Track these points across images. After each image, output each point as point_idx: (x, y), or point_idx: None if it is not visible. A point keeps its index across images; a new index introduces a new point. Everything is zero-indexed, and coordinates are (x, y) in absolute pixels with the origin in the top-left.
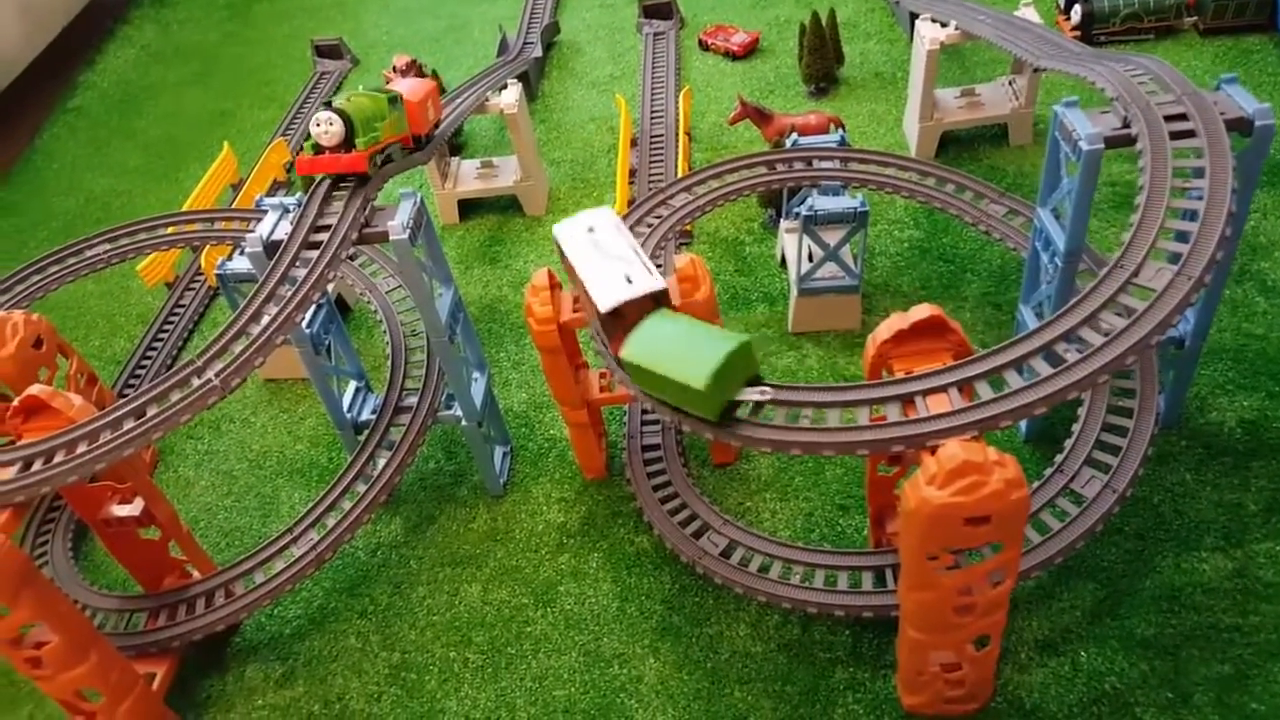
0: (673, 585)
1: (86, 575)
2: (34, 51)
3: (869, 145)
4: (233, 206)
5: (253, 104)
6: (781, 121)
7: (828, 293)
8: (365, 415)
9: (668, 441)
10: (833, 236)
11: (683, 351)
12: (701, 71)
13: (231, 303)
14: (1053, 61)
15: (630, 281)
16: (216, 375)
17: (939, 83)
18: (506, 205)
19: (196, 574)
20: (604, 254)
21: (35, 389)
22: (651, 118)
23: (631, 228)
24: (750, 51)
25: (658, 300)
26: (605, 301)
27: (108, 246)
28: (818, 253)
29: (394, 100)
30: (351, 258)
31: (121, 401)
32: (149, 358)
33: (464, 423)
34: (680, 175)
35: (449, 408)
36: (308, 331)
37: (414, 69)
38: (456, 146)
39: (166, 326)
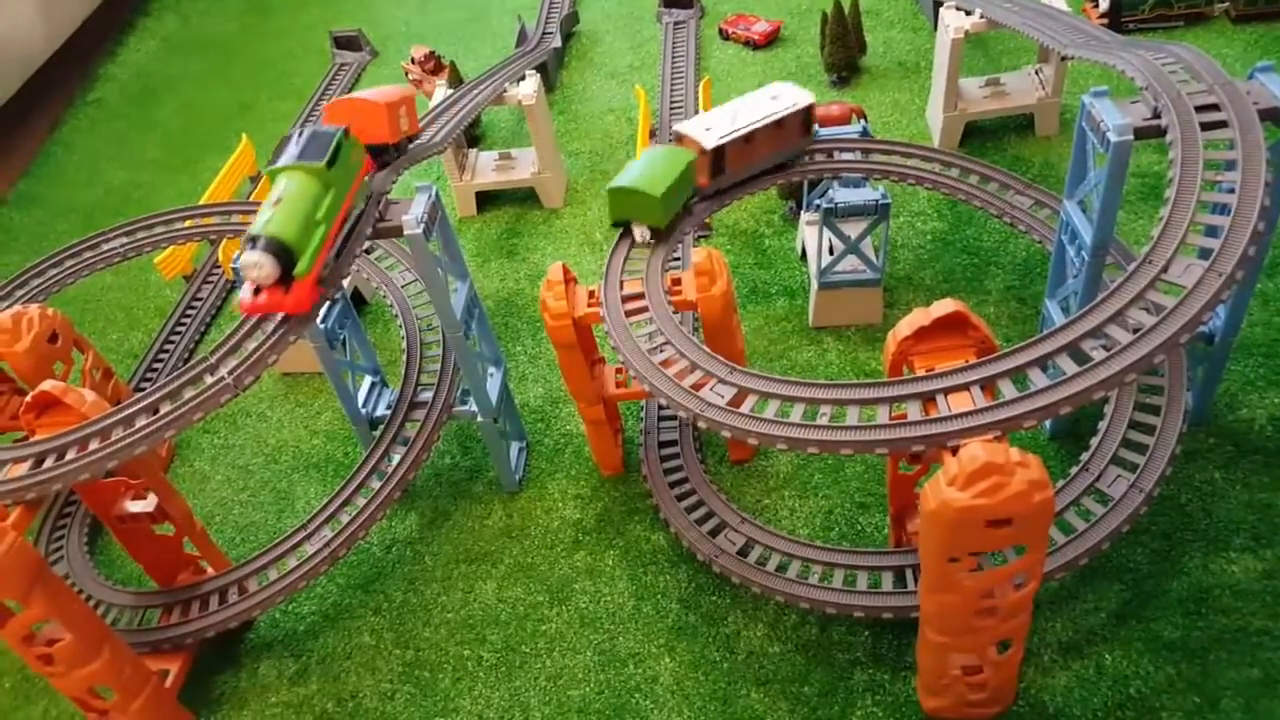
0: (689, 584)
1: (102, 570)
2: (55, 44)
3: (892, 135)
4: (250, 199)
5: (271, 96)
6: None
7: (849, 286)
8: (380, 410)
9: (685, 438)
10: (854, 229)
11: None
12: (722, 61)
13: None
14: (1081, 50)
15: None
16: (229, 373)
17: (963, 72)
18: (525, 197)
19: (211, 570)
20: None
21: (48, 385)
22: (671, 108)
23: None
24: (772, 41)
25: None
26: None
27: (124, 240)
28: (838, 246)
29: (335, 156)
30: (368, 251)
31: (134, 398)
32: (166, 351)
33: (479, 418)
34: None
35: (464, 403)
36: (322, 327)
37: (432, 60)
38: (475, 138)
39: (184, 320)
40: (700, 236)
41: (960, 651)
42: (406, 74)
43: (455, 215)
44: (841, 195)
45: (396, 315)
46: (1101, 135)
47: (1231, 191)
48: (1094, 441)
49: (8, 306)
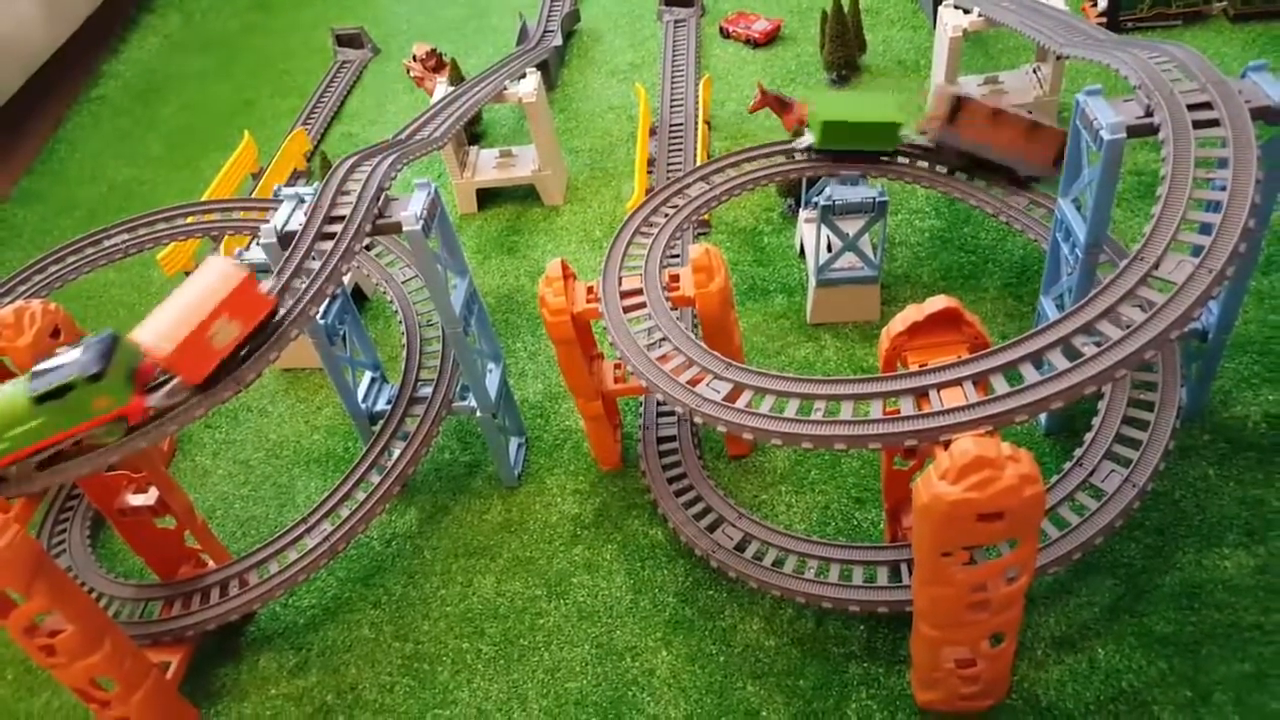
0: (686, 578)
1: (104, 564)
2: (58, 40)
3: None
4: (252, 196)
5: (273, 93)
6: (801, 110)
7: (847, 283)
8: (380, 405)
9: (683, 433)
10: (852, 226)
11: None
12: (722, 59)
13: None
14: (1076, 49)
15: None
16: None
17: (961, 70)
18: (525, 195)
19: (212, 563)
20: None
21: None
22: (671, 106)
23: (648, 217)
24: (772, 39)
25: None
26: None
27: (126, 236)
28: (836, 243)
29: (61, 391)
30: (368, 247)
31: None
32: None
33: (479, 414)
34: (699, 163)
35: (464, 398)
36: (322, 322)
37: (434, 57)
38: (475, 136)
39: None
40: (699, 234)
41: (953, 644)
42: (408, 71)
43: (456, 212)
44: (839, 193)
45: (397, 312)
46: (1095, 133)
47: (1223, 189)
48: (1088, 437)
49: (10, 301)
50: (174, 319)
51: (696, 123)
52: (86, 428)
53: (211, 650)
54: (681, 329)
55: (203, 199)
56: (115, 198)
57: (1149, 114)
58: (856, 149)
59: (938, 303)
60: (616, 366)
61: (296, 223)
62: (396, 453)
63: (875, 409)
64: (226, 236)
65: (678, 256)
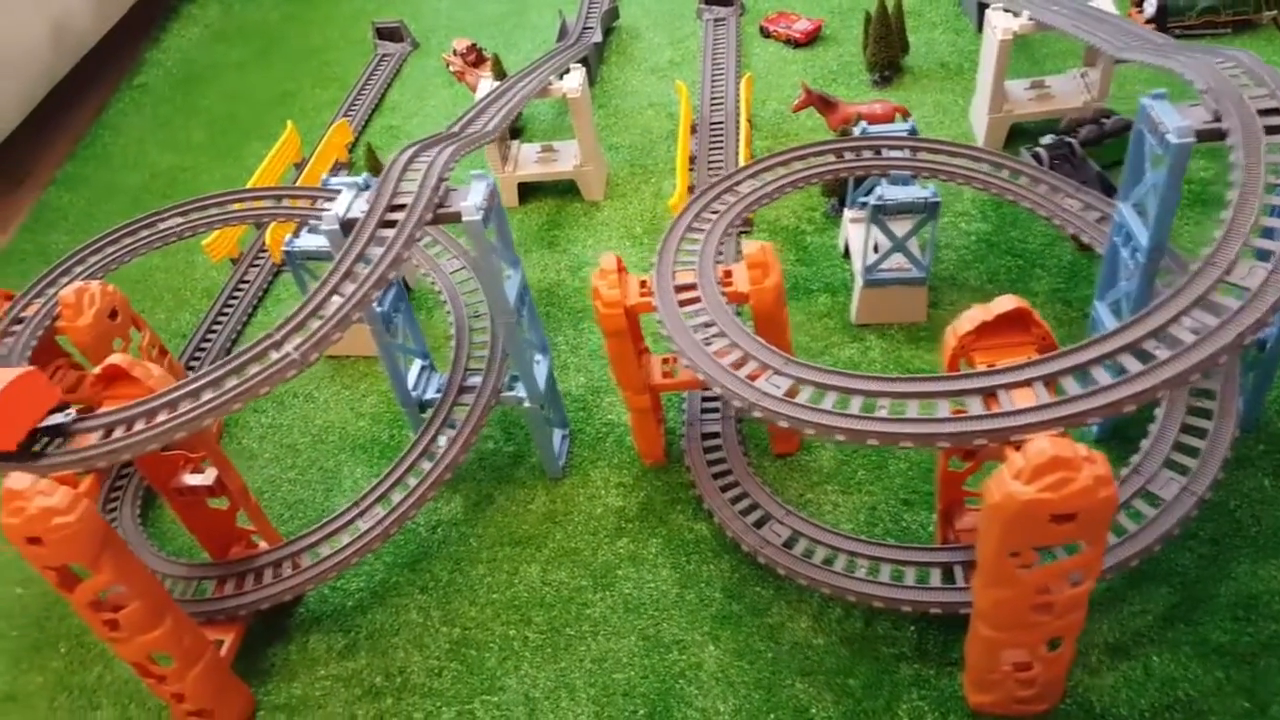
0: (732, 574)
1: (153, 543)
2: (103, 29)
3: (935, 135)
4: (296, 185)
5: (314, 84)
6: (847, 110)
7: (894, 284)
8: (429, 394)
9: (727, 430)
10: (901, 227)
11: None
12: (763, 59)
13: (298, 279)
14: (1136, 54)
15: None
16: (295, 349)
17: (1007, 74)
18: (566, 189)
19: (264, 544)
20: None
21: (116, 358)
22: (711, 104)
23: (700, 213)
24: (813, 39)
25: None
26: None
27: (179, 220)
28: (884, 243)
29: None
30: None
31: (200, 373)
32: (214, 331)
33: (527, 404)
34: (743, 163)
35: (512, 389)
36: (379, 310)
37: (474, 52)
38: (516, 130)
39: (231, 302)
40: (741, 232)
41: (1012, 647)
42: (448, 65)
43: None
44: (891, 192)
45: (445, 302)
46: (1161, 137)
47: None
48: (1145, 444)
49: (68, 282)
50: None
51: (737, 121)
52: None
53: (261, 630)
54: (738, 324)
55: (250, 187)
56: (159, 184)
57: (1217, 119)
58: None
59: (1006, 303)
60: (664, 361)
61: (358, 210)
62: (445, 440)
63: (942, 408)
64: (273, 224)
65: (722, 256)
